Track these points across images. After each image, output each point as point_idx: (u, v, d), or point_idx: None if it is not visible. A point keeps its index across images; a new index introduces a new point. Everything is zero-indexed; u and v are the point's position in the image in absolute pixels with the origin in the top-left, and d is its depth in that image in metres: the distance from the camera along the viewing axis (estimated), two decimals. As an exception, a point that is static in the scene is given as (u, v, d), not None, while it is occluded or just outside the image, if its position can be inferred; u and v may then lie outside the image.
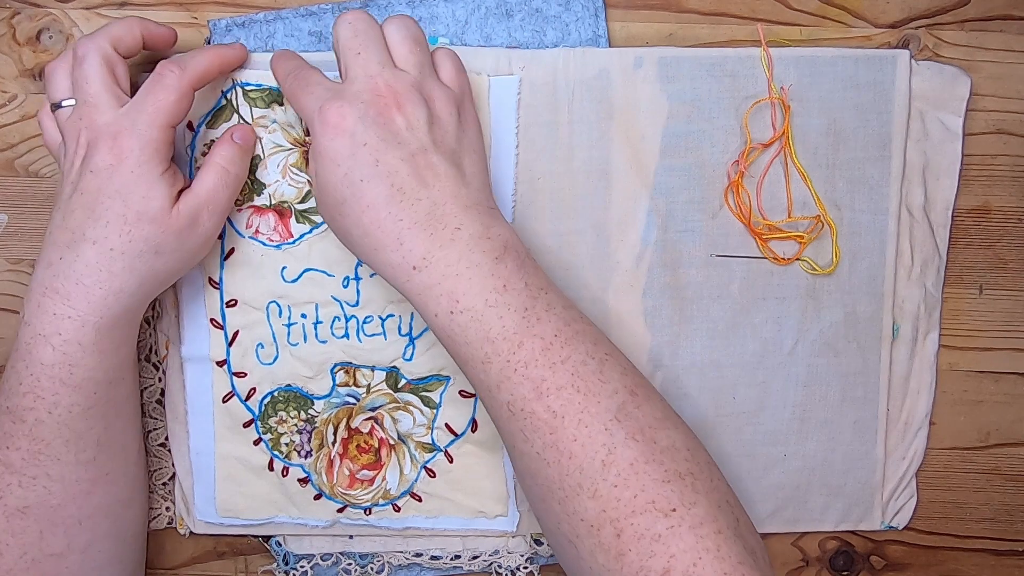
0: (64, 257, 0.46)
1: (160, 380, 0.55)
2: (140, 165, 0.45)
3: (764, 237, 0.53)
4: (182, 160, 0.52)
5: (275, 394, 0.54)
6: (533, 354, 0.42)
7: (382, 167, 0.43)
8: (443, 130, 0.45)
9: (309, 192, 0.52)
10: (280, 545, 0.57)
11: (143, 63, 0.52)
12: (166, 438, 0.56)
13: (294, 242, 0.53)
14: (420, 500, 0.55)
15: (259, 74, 0.51)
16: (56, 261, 0.46)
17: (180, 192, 0.47)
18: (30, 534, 0.47)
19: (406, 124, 0.44)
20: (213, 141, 0.52)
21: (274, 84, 0.51)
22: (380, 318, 0.53)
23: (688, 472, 0.41)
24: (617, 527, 0.40)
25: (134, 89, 0.48)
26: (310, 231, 0.53)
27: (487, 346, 0.42)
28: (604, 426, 0.41)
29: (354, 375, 0.54)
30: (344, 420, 0.54)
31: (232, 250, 0.53)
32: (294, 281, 0.53)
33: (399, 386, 0.54)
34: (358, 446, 0.55)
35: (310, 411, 0.54)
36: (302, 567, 0.57)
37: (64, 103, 0.48)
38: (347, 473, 0.55)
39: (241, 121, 0.52)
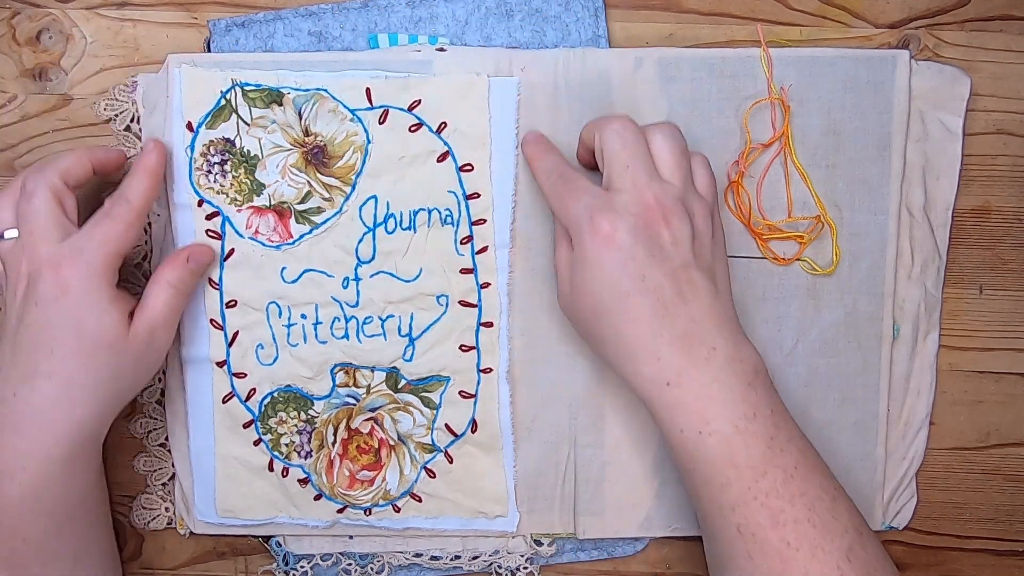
0: (18, 393, 0.45)
1: (160, 380, 0.55)
2: (88, 294, 0.45)
3: (764, 237, 0.53)
4: (181, 162, 0.52)
5: (275, 395, 0.54)
6: (774, 485, 0.43)
7: (649, 282, 0.44)
8: (702, 244, 0.45)
9: (309, 192, 0.52)
10: (280, 545, 0.57)
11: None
12: (166, 438, 0.56)
13: (294, 243, 0.53)
14: (420, 500, 0.55)
15: (258, 74, 0.51)
16: (10, 398, 0.45)
17: (131, 311, 0.48)
18: None
19: (671, 239, 0.44)
20: (212, 141, 0.52)
21: (273, 84, 0.51)
22: (380, 319, 0.53)
23: None
24: None
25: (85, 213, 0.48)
26: (310, 232, 0.53)
27: (730, 470, 0.43)
28: (836, 564, 0.42)
29: (354, 376, 0.54)
30: (344, 421, 0.54)
31: (232, 251, 0.53)
32: (294, 282, 0.53)
33: (399, 387, 0.54)
34: (358, 447, 0.55)
35: (310, 412, 0.54)
36: (302, 567, 0.57)
37: (6, 234, 0.47)
38: (347, 474, 0.55)
39: (240, 121, 0.52)
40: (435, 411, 0.54)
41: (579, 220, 0.45)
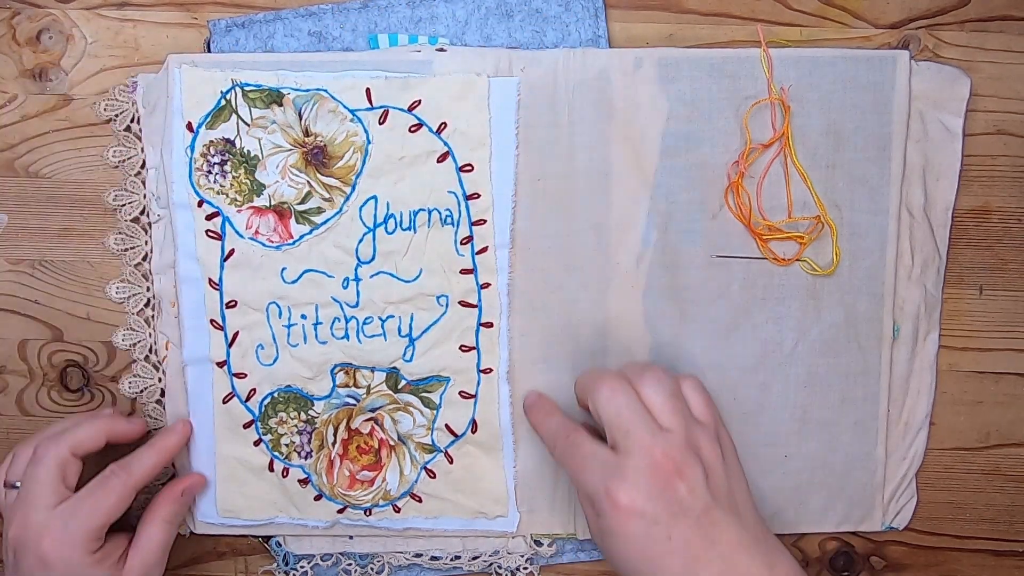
0: None
1: (160, 380, 0.55)
2: (68, 566, 0.47)
3: (764, 237, 0.53)
4: (181, 162, 0.52)
5: (275, 395, 0.54)
6: None
7: (675, 541, 0.44)
8: (716, 477, 0.45)
9: (309, 193, 0.52)
10: (280, 545, 0.57)
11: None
12: (166, 439, 0.56)
13: (294, 243, 0.53)
14: (420, 501, 0.55)
15: (258, 75, 0.51)
16: None
17: (126, 549, 0.50)
18: None
19: (688, 489, 0.44)
20: (212, 141, 0.52)
21: (273, 85, 0.51)
22: (380, 319, 0.53)
23: None
24: None
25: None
26: (310, 232, 0.53)
27: None
28: None
29: (354, 376, 0.54)
30: (344, 421, 0.54)
31: (232, 251, 0.53)
32: (294, 282, 0.53)
33: (399, 387, 0.54)
34: (358, 447, 0.55)
35: (310, 412, 0.54)
36: (302, 567, 0.57)
37: (17, 484, 0.50)
38: (347, 474, 0.55)
39: (240, 122, 0.52)
40: (435, 411, 0.54)
41: (597, 493, 0.45)
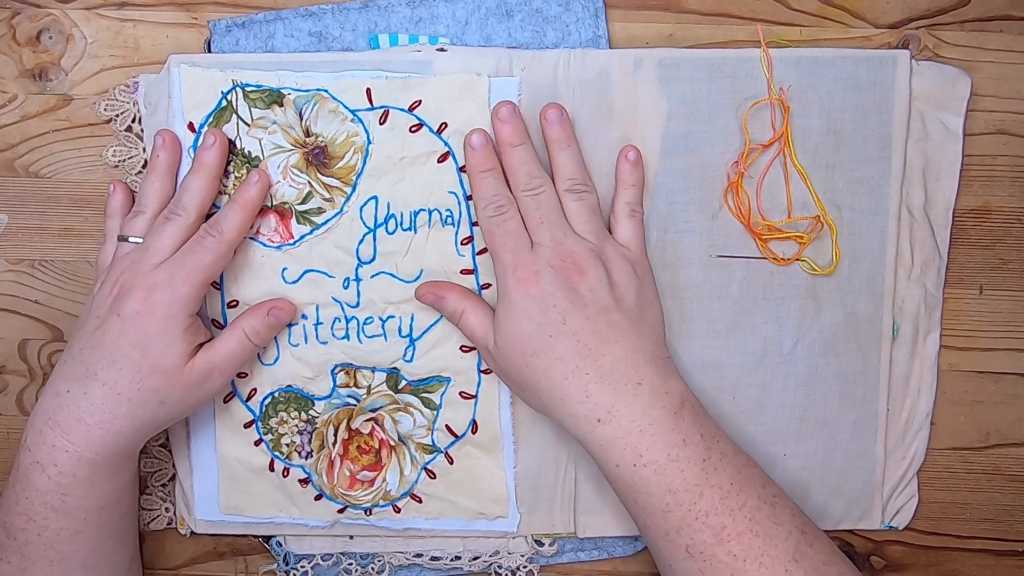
0: (72, 391, 0.48)
1: (160, 381, 0.55)
2: (167, 319, 0.48)
3: (764, 237, 0.53)
4: (182, 161, 0.52)
5: (276, 395, 0.54)
6: (712, 503, 0.45)
7: (570, 325, 0.47)
8: (621, 289, 0.48)
9: (310, 193, 0.52)
10: (280, 545, 0.57)
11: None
12: (167, 439, 0.56)
13: (295, 243, 0.53)
14: (420, 501, 0.55)
15: (259, 75, 0.51)
16: (64, 393, 0.48)
17: (200, 345, 0.50)
18: None
19: (588, 288, 0.47)
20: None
21: (274, 85, 0.51)
22: (380, 319, 0.53)
23: None
24: None
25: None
26: (310, 232, 0.53)
27: (668, 497, 0.45)
28: (784, 567, 0.44)
29: (354, 376, 0.54)
30: (344, 421, 0.54)
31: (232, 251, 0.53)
32: (295, 282, 0.53)
33: (399, 387, 0.54)
34: (358, 447, 0.55)
35: (311, 412, 0.54)
36: (302, 567, 0.57)
37: (131, 239, 0.50)
38: (347, 474, 0.55)
39: (240, 122, 0.52)
40: (435, 412, 0.54)
41: (504, 267, 0.48)
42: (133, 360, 0.47)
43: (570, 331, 0.47)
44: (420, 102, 0.51)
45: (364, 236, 0.52)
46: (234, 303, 0.53)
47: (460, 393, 0.54)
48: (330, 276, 0.53)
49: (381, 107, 0.52)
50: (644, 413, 0.46)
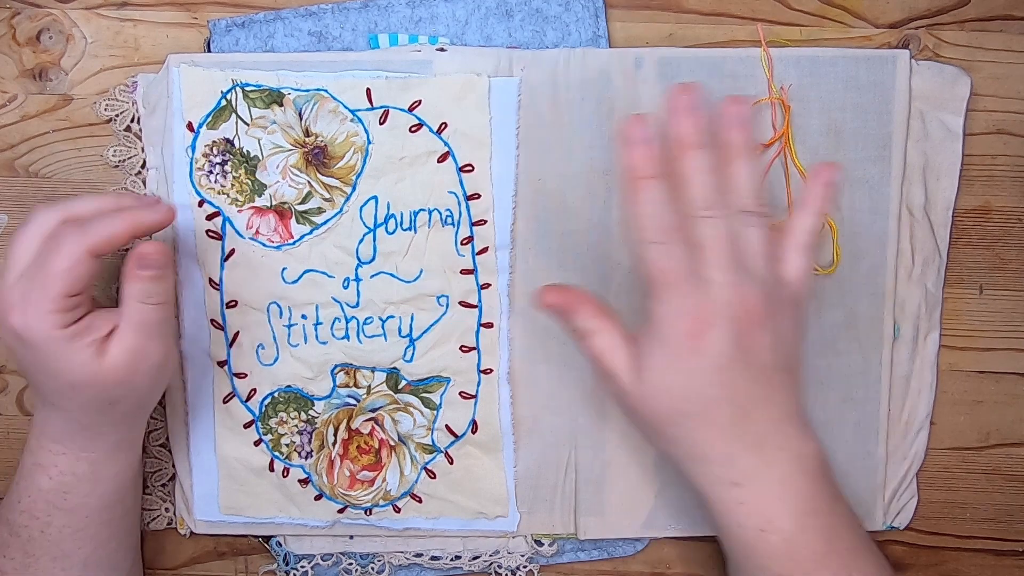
0: (44, 409, 0.47)
1: (160, 381, 0.55)
2: (43, 341, 0.43)
3: (764, 237, 0.53)
4: (181, 162, 0.52)
5: (275, 395, 0.54)
6: (833, 572, 0.43)
7: (730, 388, 0.42)
8: (788, 346, 0.43)
9: (309, 193, 0.52)
10: (280, 545, 0.57)
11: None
12: (166, 439, 0.56)
13: (294, 243, 0.53)
14: (420, 501, 0.55)
15: (259, 75, 0.51)
16: (40, 409, 0.48)
17: (111, 334, 0.45)
18: None
19: (761, 346, 0.42)
20: (214, 141, 0.52)
21: (274, 85, 0.51)
22: (380, 319, 0.53)
23: None
24: None
25: None
26: (310, 232, 0.53)
27: (790, 564, 0.43)
28: None
29: (354, 376, 0.54)
30: (344, 421, 0.54)
31: (232, 251, 0.53)
32: (294, 282, 0.53)
33: (399, 387, 0.54)
34: (358, 447, 0.55)
35: (310, 412, 0.54)
36: (302, 567, 0.57)
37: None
38: (347, 474, 0.55)
39: (239, 122, 0.52)
40: (435, 412, 0.54)
41: (667, 311, 0.42)
42: (51, 386, 0.45)
43: (730, 395, 0.42)
44: (420, 102, 0.51)
45: (364, 236, 0.52)
46: (233, 303, 0.53)
47: (460, 393, 0.54)
48: (330, 276, 0.53)
49: (381, 107, 0.52)
50: (782, 479, 0.43)
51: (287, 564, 0.57)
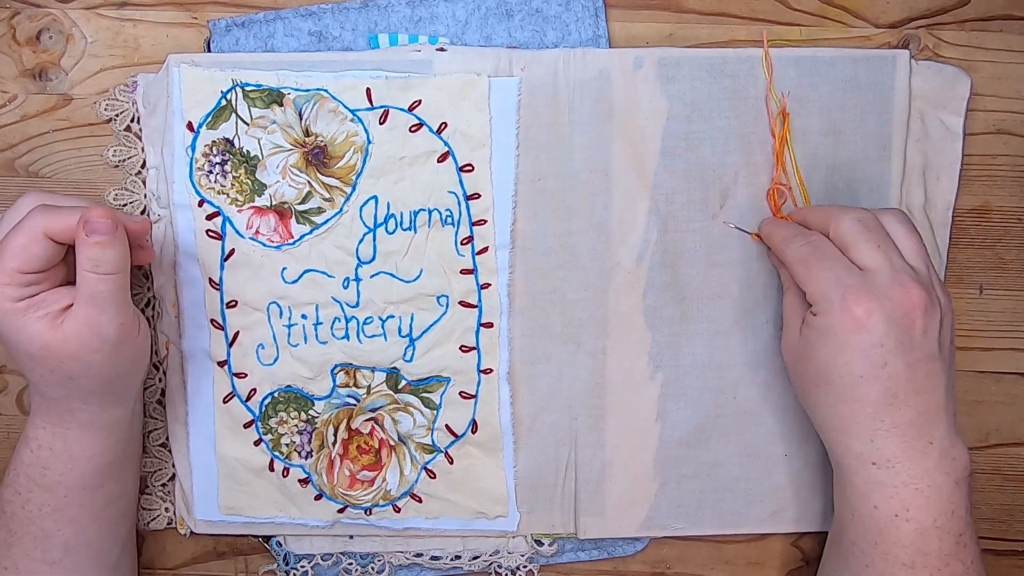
0: (31, 385, 0.48)
1: (160, 380, 0.55)
2: None
3: (764, 237, 0.53)
4: (181, 161, 0.52)
5: (275, 395, 0.54)
6: (955, 574, 0.45)
7: (888, 370, 0.44)
8: (946, 335, 0.45)
9: (309, 193, 0.52)
10: (280, 545, 0.57)
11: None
12: (166, 439, 0.56)
13: (294, 243, 0.53)
14: (420, 501, 0.55)
15: (258, 75, 0.51)
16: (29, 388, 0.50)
17: (68, 308, 0.45)
18: None
19: (923, 329, 0.44)
20: (214, 141, 0.52)
21: (273, 84, 0.51)
22: (380, 319, 0.53)
23: None
24: None
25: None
26: (310, 232, 0.53)
27: (918, 557, 0.45)
28: None
29: (354, 376, 0.54)
30: (344, 421, 0.54)
31: (232, 251, 0.53)
32: (294, 282, 0.53)
33: (399, 387, 0.54)
34: (358, 447, 0.55)
35: (310, 412, 0.54)
36: (303, 567, 0.57)
37: None
38: (347, 474, 0.55)
39: (239, 122, 0.52)
40: (435, 411, 0.54)
41: (830, 293, 0.44)
42: (18, 358, 0.45)
43: (885, 376, 0.43)
44: (420, 102, 0.51)
45: (364, 236, 0.52)
46: (233, 303, 0.53)
47: (460, 393, 0.54)
48: (330, 276, 0.53)
49: (381, 107, 0.52)
50: (926, 474, 0.44)
51: (287, 564, 0.57)
